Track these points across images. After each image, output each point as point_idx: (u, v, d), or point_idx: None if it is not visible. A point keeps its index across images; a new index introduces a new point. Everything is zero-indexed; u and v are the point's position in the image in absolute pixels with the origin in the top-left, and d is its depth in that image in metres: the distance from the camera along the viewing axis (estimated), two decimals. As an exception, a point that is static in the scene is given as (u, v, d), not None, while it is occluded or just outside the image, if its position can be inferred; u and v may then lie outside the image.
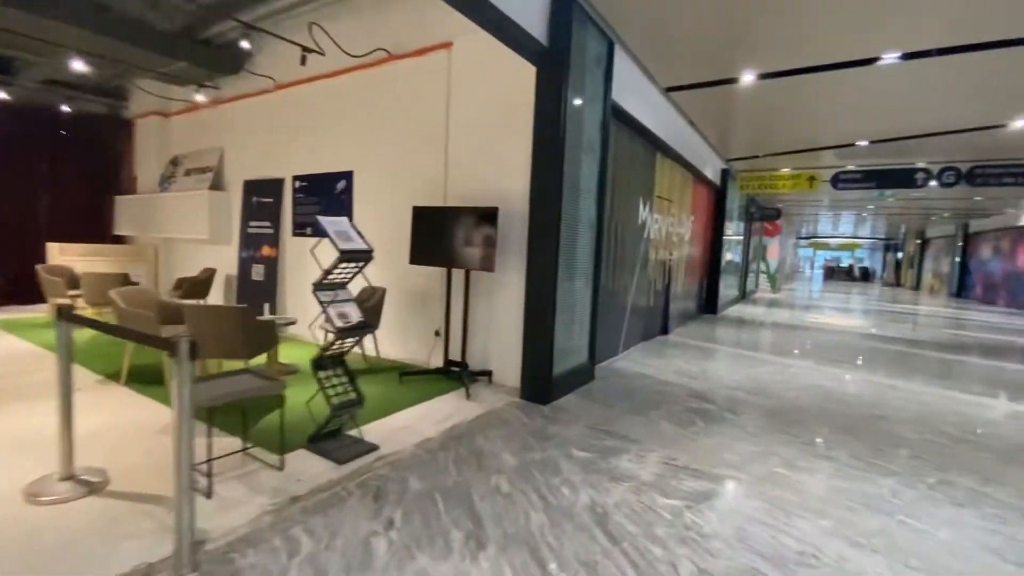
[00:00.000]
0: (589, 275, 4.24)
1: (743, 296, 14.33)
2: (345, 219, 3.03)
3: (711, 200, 9.88)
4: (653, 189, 6.31)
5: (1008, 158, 8.07)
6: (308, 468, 2.63)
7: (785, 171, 9.78)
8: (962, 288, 20.77)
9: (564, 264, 3.76)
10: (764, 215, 14.41)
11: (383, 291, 4.69)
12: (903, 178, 8.76)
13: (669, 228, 7.17)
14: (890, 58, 4.39)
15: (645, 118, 5.45)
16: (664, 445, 3.09)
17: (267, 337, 3.68)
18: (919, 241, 26.93)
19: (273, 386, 2.69)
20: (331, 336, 2.89)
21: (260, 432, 3.02)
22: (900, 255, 32.75)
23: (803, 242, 41.58)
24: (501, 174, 4.10)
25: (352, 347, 3.07)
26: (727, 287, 11.58)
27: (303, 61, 5.25)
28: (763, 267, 17.49)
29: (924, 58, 4.29)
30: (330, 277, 2.90)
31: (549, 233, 3.64)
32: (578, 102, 3.82)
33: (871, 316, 12.01)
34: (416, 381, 4.20)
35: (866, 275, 39.30)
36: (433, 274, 4.70)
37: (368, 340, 4.93)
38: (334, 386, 2.96)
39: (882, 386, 4.84)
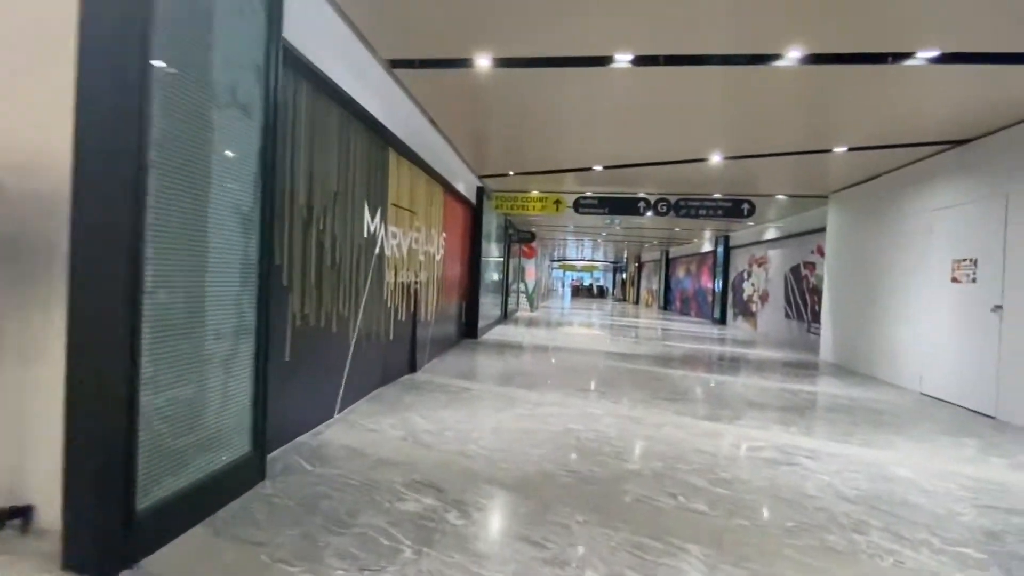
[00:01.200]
0: (246, 304, 2.64)
1: (505, 316, 14.44)
2: None
3: (467, 218, 9.29)
4: (387, 196, 5.09)
5: (702, 194, 9.50)
6: None
7: (535, 193, 9.87)
8: (667, 302, 25.69)
9: (166, 286, 2.07)
10: (521, 237, 14.86)
11: None
12: (629, 206, 9.61)
13: (414, 245, 6.05)
14: (622, 60, 4.06)
15: (366, 99, 4.19)
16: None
17: None
18: (637, 264, 32.71)
19: None
20: None
21: None
22: (624, 275, 39.50)
23: (555, 264, 47.12)
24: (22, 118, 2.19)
25: None
26: (489, 309, 11.24)
27: None
28: (522, 287, 18.24)
29: (652, 65, 4.08)
30: None
31: (117, 232, 1.90)
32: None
33: (608, 331, 13.17)
34: None
35: (602, 292, 46.37)
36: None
37: None
38: None
39: (627, 420, 4.47)
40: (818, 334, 10.90)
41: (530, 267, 18.32)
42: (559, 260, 44.04)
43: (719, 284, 17.37)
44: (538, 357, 8.03)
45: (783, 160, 6.98)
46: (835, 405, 5.57)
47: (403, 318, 5.82)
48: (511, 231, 14.63)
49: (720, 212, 9.40)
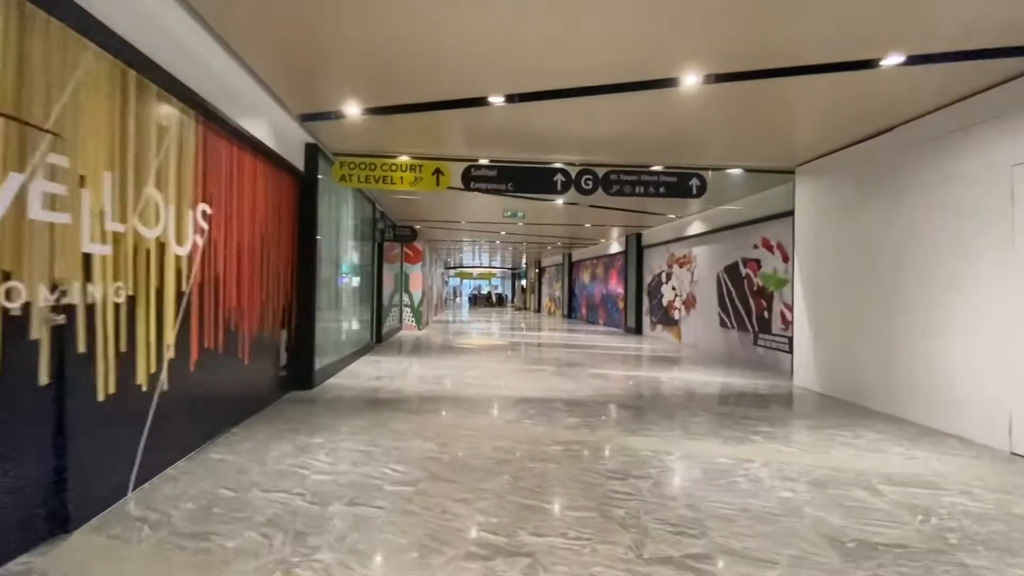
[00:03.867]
0: None
1: (377, 340, 10.82)
2: None
3: (285, 192, 5.69)
4: None
5: (639, 165, 6.84)
6: None
7: (404, 159, 6.54)
8: (571, 310, 23.56)
9: None
10: (399, 235, 11.38)
11: None
12: (541, 180, 6.67)
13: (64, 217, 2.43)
14: None
15: None
16: None
17: None
18: (537, 269, 30.52)
19: None
20: None
21: None
22: (524, 282, 37.31)
23: (451, 272, 43.77)
24: None
25: None
26: (342, 336, 7.62)
27: None
28: (406, 300, 14.67)
29: None
30: None
31: None
32: None
33: (511, 354, 10.15)
34: None
35: (501, 300, 43.88)
36: None
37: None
38: None
39: None
40: (768, 348, 8.83)
41: (416, 274, 14.83)
42: (455, 267, 40.85)
43: (632, 289, 15.27)
44: (402, 430, 4.70)
45: (791, 88, 4.44)
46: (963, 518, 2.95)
47: (46, 381, 2.19)
48: (383, 226, 11.08)
49: (662, 189, 6.84)
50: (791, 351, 8.04)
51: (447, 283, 42.75)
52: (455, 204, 10.67)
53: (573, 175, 6.72)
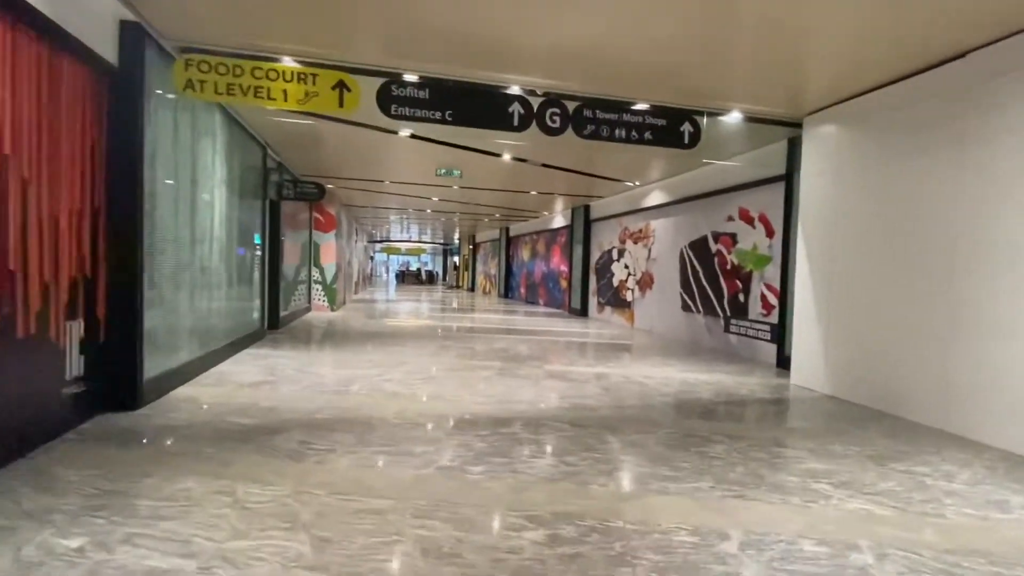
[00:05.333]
0: None
1: (273, 326, 8.56)
2: None
3: (79, 94, 3.44)
4: None
5: (623, 98, 5.16)
6: None
7: (288, 63, 4.42)
8: (508, 289, 21.98)
9: None
10: (301, 192, 9.03)
11: None
12: (492, 109, 4.82)
13: None
14: None
15: None
16: None
17: None
18: (471, 245, 28.57)
19: None
20: None
21: None
22: (456, 259, 35.21)
23: (378, 246, 40.63)
24: None
25: None
26: (210, 319, 5.42)
27: None
28: (315, 275, 12.30)
29: None
30: None
31: None
32: None
33: (441, 343, 8.37)
34: None
35: (431, 278, 41.57)
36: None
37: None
38: None
39: None
40: (743, 335, 7.68)
41: (328, 244, 12.46)
42: (382, 241, 37.88)
43: (579, 267, 13.87)
44: (255, 503, 2.79)
45: None
46: None
47: None
48: (279, 179, 8.71)
49: (648, 135, 5.25)
50: (776, 340, 6.89)
51: (372, 258, 39.75)
52: (377, 154, 8.53)
53: (535, 107, 4.92)
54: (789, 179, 6.58)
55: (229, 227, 6.26)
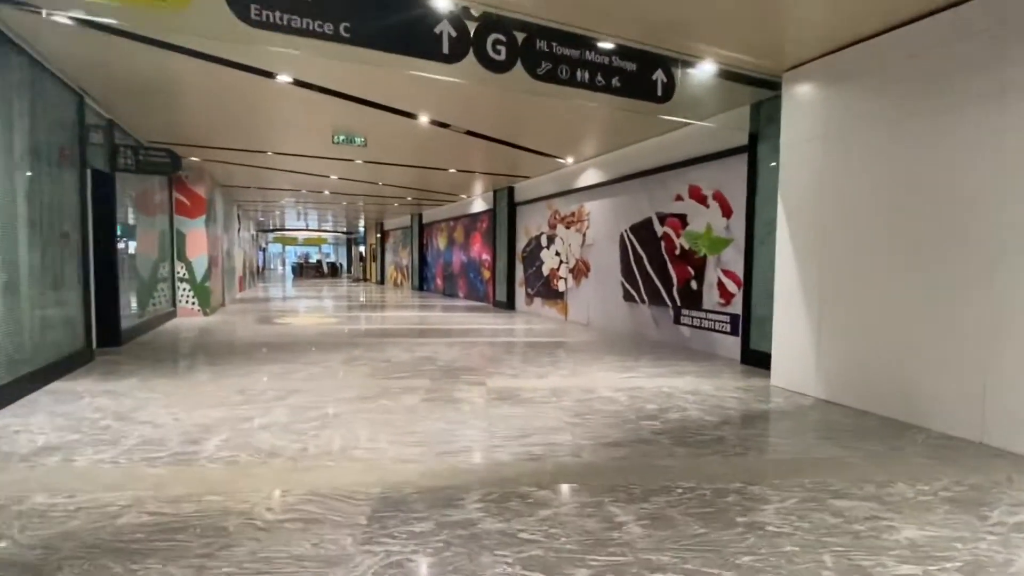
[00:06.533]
0: None
1: (111, 342, 6.31)
2: None
3: None
4: None
5: (586, 30, 3.88)
6: None
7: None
8: (423, 281, 20.24)
9: None
10: (144, 162, 6.77)
11: None
12: (409, 29, 3.33)
13: None
14: None
15: None
16: None
17: None
18: (379, 233, 26.25)
19: None
20: None
21: None
22: (363, 249, 32.49)
23: (270, 236, 36.46)
24: None
25: None
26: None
27: None
28: (180, 272, 9.86)
29: None
30: None
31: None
32: None
33: (362, 354, 6.75)
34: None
35: (335, 270, 38.32)
36: None
37: None
38: None
39: None
40: (697, 328, 6.89)
41: (197, 233, 10.04)
42: (275, 230, 33.99)
43: (503, 256, 12.64)
44: None
45: None
46: None
47: None
48: (105, 140, 6.41)
49: (616, 82, 4.06)
50: (739, 333, 6.13)
51: (264, 250, 35.68)
52: (252, 112, 6.55)
53: (472, 31, 3.50)
54: (753, 150, 5.78)
55: (8, 207, 4.14)
